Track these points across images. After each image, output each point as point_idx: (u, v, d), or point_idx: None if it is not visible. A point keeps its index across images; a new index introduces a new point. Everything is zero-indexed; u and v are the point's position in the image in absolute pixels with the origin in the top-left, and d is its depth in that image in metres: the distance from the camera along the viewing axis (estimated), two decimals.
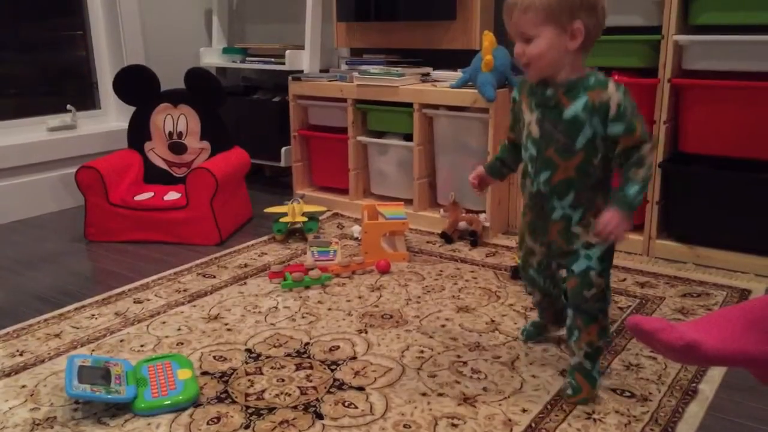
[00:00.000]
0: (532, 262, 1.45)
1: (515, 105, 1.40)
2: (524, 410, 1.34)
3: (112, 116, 3.19)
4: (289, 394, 1.41)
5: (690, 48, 2.03)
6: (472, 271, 2.08)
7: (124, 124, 2.74)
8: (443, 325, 1.71)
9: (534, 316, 1.67)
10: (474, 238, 2.32)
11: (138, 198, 2.45)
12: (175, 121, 2.64)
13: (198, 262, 2.21)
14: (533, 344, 1.60)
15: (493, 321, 1.73)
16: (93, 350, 1.63)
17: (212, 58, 3.28)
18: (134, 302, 1.90)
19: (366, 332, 1.68)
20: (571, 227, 1.33)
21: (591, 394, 1.36)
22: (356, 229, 2.44)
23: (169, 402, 1.35)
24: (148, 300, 1.92)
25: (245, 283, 2.02)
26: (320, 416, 1.33)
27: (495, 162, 1.52)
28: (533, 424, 1.29)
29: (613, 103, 1.22)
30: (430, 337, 1.65)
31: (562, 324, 1.53)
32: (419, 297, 1.89)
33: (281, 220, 2.40)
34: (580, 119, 1.24)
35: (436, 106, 2.45)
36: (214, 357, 1.58)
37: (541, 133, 1.30)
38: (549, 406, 1.35)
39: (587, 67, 1.29)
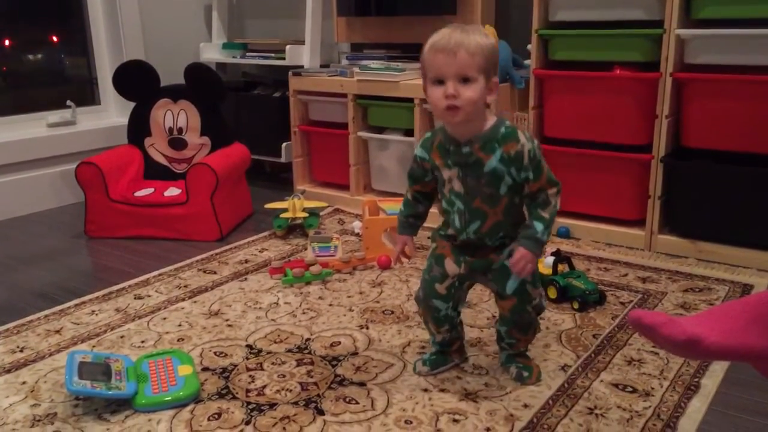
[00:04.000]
0: (440, 290, 1.38)
1: (423, 163, 1.37)
2: (526, 405, 1.34)
3: (112, 112, 3.18)
4: (290, 390, 1.40)
5: (692, 42, 2.02)
6: None
7: (124, 120, 2.73)
8: None
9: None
10: None
11: (138, 194, 2.45)
12: (175, 116, 2.64)
13: (198, 257, 2.20)
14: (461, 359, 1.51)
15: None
16: (93, 346, 1.62)
17: (212, 53, 3.27)
18: (135, 298, 1.90)
19: (367, 328, 1.68)
20: (502, 251, 1.35)
21: (537, 367, 1.45)
22: (357, 225, 2.43)
23: (169, 398, 1.35)
24: (149, 296, 1.91)
25: (246, 279, 2.02)
26: (321, 412, 1.33)
27: (407, 221, 1.46)
28: (535, 419, 1.29)
29: (525, 152, 1.28)
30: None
31: (464, 353, 1.52)
32: None
33: (282, 215, 2.40)
34: (499, 171, 1.29)
35: None
36: (215, 353, 1.57)
37: (465, 188, 1.32)
38: (551, 402, 1.35)
39: (489, 116, 1.31)
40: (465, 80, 1.23)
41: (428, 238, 1.45)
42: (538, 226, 1.29)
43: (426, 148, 1.37)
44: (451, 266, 1.38)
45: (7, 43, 2.97)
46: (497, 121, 1.30)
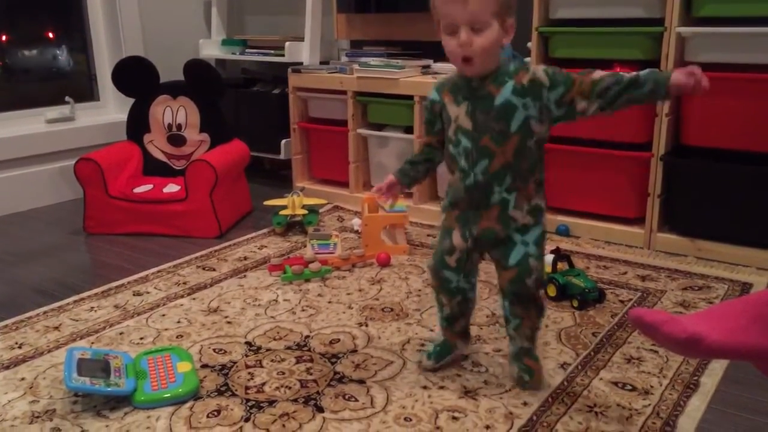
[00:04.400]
0: (449, 262, 1.38)
1: (434, 105, 1.36)
2: (525, 403, 1.34)
3: (111, 108, 3.17)
4: (290, 387, 1.40)
5: (692, 40, 2.01)
6: None
7: (123, 116, 2.72)
8: None
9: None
10: None
11: (137, 190, 2.44)
12: (175, 113, 2.63)
13: (197, 254, 2.20)
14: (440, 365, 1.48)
15: (493, 314, 1.73)
16: (92, 343, 1.62)
17: (211, 49, 3.26)
18: (134, 295, 1.90)
19: (366, 325, 1.68)
20: (508, 211, 1.31)
21: (542, 370, 1.40)
22: (356, 222, 2.43)
23: (168, 395, 1.35)
24: (148, 292, 1.91)
25: (245, 276, 2.01)
26: (321, 409, 1.33)
27: (405, 165, 1.46)
28: (534, 417, 1.29)
29: (540, 75, 1.25)
30: (431, 330, 1.65)
31: (469, 341, 1.51)
32: (420, 290, 1.89)
33: (281, 212, 2.39)
34: (511, 103, 1.26)
35: None
36: (214, 350, 1.57)
37: (473, 124, 1.29)
38: (550, 399, 1.35)
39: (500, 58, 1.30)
40: (477, 28, 1.22)
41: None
42: (642, 72, 1.21)
43: (439, 89, 1.36)
44: (458, 240, 1.36)
45: (5, 38, 2.97)
46: (507, 61, 1.29)
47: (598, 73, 1.24)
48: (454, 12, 1.22)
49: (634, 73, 1.22)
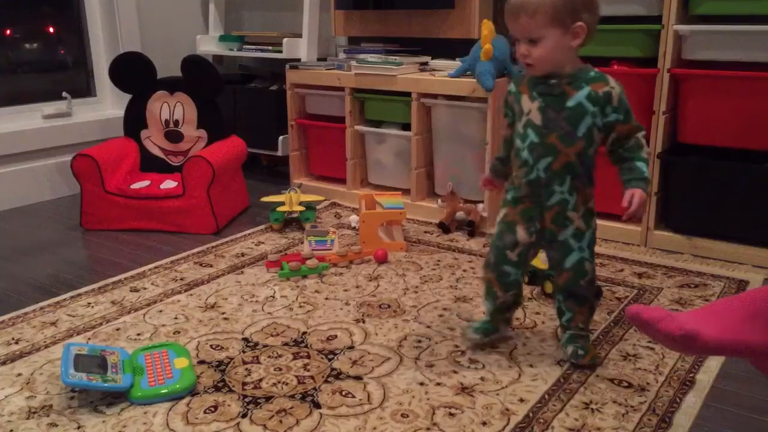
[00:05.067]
0: (511, 257, 1.44)
1: (510, 96, 1.43)
2: (522, 400, 1.34)
3: (108, 104, 3.17)
4: (287, 383, 1.40)
5: (690, 38, 2.02)
6: (470, 261, 2.08)
7: (120, 112, 2.72)
8: (441, 315, 1.71)
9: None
10: (471, 228, 2.32)
11: (134, 186, 2.44)
12: (172, 109, 2.63)
13: (195, 250, 2.20)
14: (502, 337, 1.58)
15: None
16: (89, 339, 1.62)
17: (209, 45, 3.26)
18: (131, 291, 1.90)
19: (363, 322, 1.68)
20: (567, 212, 1.39)
21: (596, 352, 1.48)
22: (354, 219, 2.43)
23: (165, 391, 1.35)
24: (145, 288, 1.91)
25: (242, 272, 2.01)
26: (318, 405, 1.33)
27: (495, 162, 1.56)
28: (531, 414, 1.29)
29: (615, 94, 1.32)
30: (428, 326, 1.65)
31: (509, 325, 1.58)
32: (417, 287, 1.89)
33: (278, 209, 2.39)
34: (583, 107, 1.32)
35: (434, 96, 2.44)
36: (211, 346, 1.57)
37: (543, 120, 1.35)
38: (547, 396, 1.35)
39: (581, 62, 1.37)
40: (534, 39, 1.28)
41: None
42: (643, 166, 1.33)
43: (517, 82, 1.42)
44: (522, 234, 1.42)
45: (2, 33, 2.96)
46: (587, 66, 1.35)
47: (641, 137, 1.34)
48: (510, 26, 1.32)
49: (642, 167, 1.34)
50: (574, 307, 1.45)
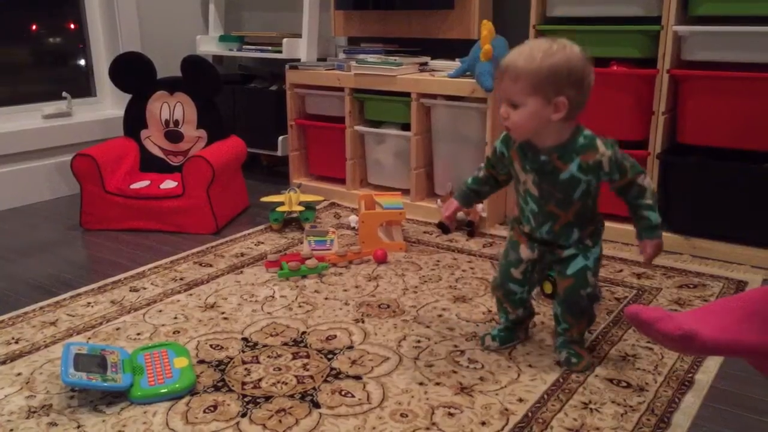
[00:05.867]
0: (515, 275, 1.47)
1: (503, 157, 1.43)
2: (521, 400, 1.34)
3: (108, 104, 3.17)
4: (286, 383, 1.41)
5: (689, 39, 2.02)
6: (469, 261, 2.08)
7: (120, 112, 2.72)
8: (440, 315, 1.71)
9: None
10: (471, 229, 2.32)
11: (134, 186, 2.44)
12: (172, 109, 2.63)
13: (194, 250, 2.20)
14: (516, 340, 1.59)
15: (490, 311, 1.73)
16: (89, 338, 1.62)
17: (209, 45, 3.26)
18: (130, 290, 1.90)
19: (363, 322, 1.68)
20: (571, 240, 1.41)
21: (590, 358, 1.47)
22: (353, 219, 2.43)
23: (165, 390, 1.35)
24: (145, 288, 1.91)
25: (242, 272, 2.02)
26: (317, 405, 1.33)
27: (467, 191, 1.53)
28: (530, 414, 1.30)
29: (605, 161, 1.33)
30: (427, 326, 1.65)
31: (528, 332, 1.59)
32: (416, 287, 1.89)
33: (278, 209, 2.39)
34: (575, 178, 1.34)
35: (434, 96, 2.45)
36: (211, 345, 1.57)
37: (540, 193, 1.37)
38: (546, 396, 1.35)
39: (572, 130, 1.34)
40: (514, 104, 1.29)
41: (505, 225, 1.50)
42: (652, 216, 1.36)
43: (506, 144, 1.42)
44: (525, 252, 1.45)
45: (3, 33, 2.96)
46: (575, 131, 1.33)
47: (641, 182, 1.36)
48: (496, 85, 1.35)
49: (650, 215, 1.37)
50: (572, 319, 1.44)
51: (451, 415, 1.29)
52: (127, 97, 2.67)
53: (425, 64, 2.64)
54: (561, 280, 1.43)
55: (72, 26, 3.15)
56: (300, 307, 1.77)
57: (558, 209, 1.37)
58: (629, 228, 2.17)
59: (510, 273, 1.47)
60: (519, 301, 1.49)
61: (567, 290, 1.41)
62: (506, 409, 1.31)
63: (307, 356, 1.52)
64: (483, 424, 1.27)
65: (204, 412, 1.31)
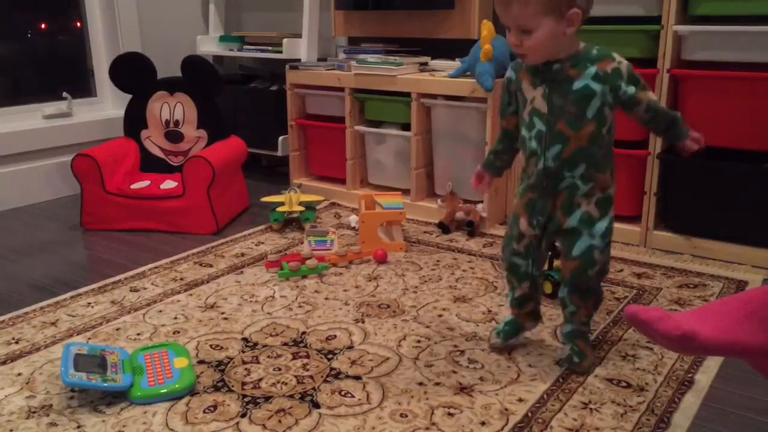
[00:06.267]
0: (518, 248, 1.42)
1: (511, 84, 1.38)
2: (521, 400, 1.34)
3: (109, 104, 3.17)
4: (286, 383, 1.41)
5: (689, 38, 2.02)
6: (470, 262, 2.08)
7: (121, 112, 2.72)
8: (440, 315, 1.71)
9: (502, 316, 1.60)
10: (471, 229, 2.32)
11: (134, 186, 2.44)
12: (172, 109, 2.63)
13: (194, 250, 2.20)
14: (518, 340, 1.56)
15: (490, 311, 1.73)
16: (89, 338, 1.62)
17: (209, 46, 3.26)
18: (131, 291, 1.90)
19: (363, 322, 1.68)
20: (575, 197, 1.33)
21: (594, 357, 1.42)
22: (353, 219, 2.43)
23: (165, 390, 1.35)
24: (145, 288, 1.91)
25: (242, 272, 2.02)
26: (317, 405, 1.33)
27: (489, 156, 1.51)
28: (530, 414, 1.30)
29: (624, 67, 1.28)
30: (427, 326, 1.65)
31: (538, 320, 1.53)
32: (416, 287, 1.89)
33: (278, 209, 2.39)
34: (590, 89, 1.27)
35: (434, 96, 2.44)
36: (211, 346, 1.57)
37: (549, 107, 1.30)
38: (545, 396, 1.35)
39: (580, 41, 1.31)
40: (526, 29, 1.23)
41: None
42: (676, 114, 1.35)
43: (515, 68, 1.37)
44: (524, 226, 1.39)
45: (3, 33, 2.96)
46: (588, 45, 1.30)
47: (652, 96, 1.33)
48: (501, 15, 1.27)
49: (675, 113, 1.36)
50: (579, 301, 1.39)
51: (450, 415, 1.29)
52: (128, 97, 2.68)
53: (425, 64, 2.64)
54: (566, 262, 1.37)
55: (72, 26, 3.15)
56: (300, 307, 1.77)
57: (569, 129, 1.28)
58: (629, 227, 2.19)
59: (512, 246, 1.42)
60: (524, 275, 1.43)
61: (573, 272, 1.35)
62: (506, 409, 1.31)
63: (307, 356, 1.52)
64: (483, 424, 1.27)
65: (204, 412, 1.31)
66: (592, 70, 1.27)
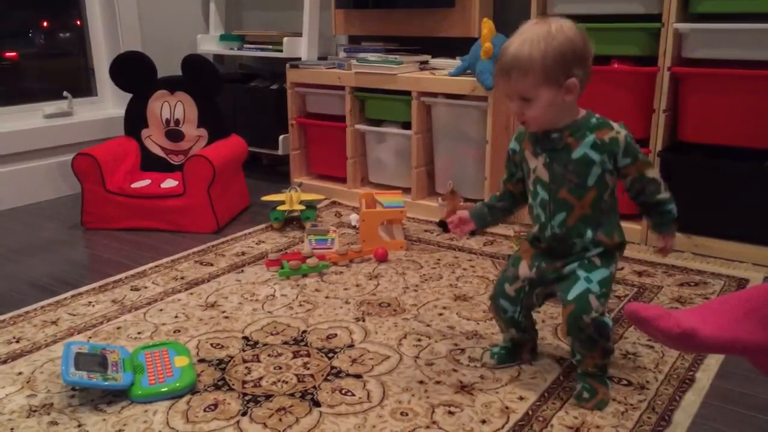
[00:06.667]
0: (509, 291, 1.39)
1: (514, 155, 1.39)
2: (521, 398, 1.34)
3: (109, 103, 3.17)
4: (287, 382, 1.41)
5: (690, 36, 2.02)
6: (470, 260, 2.08)
7: (121, 111, 2.72)
8: (441, 314, 1.71)
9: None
10: None
11: (135, 185, 2.44)
12: (172, 108, 2.63)
13: (195, 249, 2.20)
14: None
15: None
16: (90, 337, 1.63)
17: (209, 45, 3.26)
18: (131, 290, 1.90)
19: (363, 320, 1.68)
20: (586, 254, 1.32)
21: (607, 395, 1.32)
22: (354, 218, 2.43)
23: (166, 389, 1.35)
24: (145, 287, 1.91)
25: (242, 271, 2.02)
26: (317, 404, 1.33)
27: (483, 208, 1.47)
28: (530, 412, 1.30)
29: (621, 138, 1.27)
30: (428, 325, 1.65)
31: (535, 355, 1.49)
32: (417, 285, 1.89)
33: (279, 208, 2.39)
34: (589, 157, 1.27)
35: (434, 94, 2.44)
36: (212, 344, 1.57)
37: (550, 176, 1.30)
38: (546, 394, 1.35)
39: (580, 109, 1.31)
40: (527, 99, 1.24)
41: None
42: (674, 209, 1.35)
43: (518, 139, 1.38)
44: (524, 269, 1.37)
45: (3, 33, 2.96)
46: (588, 113, 1.30)
47: (654, 175, 1.32)
48: (502, 86, 1.29)
49: (673, 208, 1.37)
50: (582, 350, 1.31)
51: (451, 413, 1.29)
52: (128, 96, 2.68)
53: (426, 62, 2.64)
54: (563, 309, 1.30)
55: (73, 26, 3.15)
56: (300, 305, 1.77)
57: (571, 196, 1.29)
58: (630, 226, 2.18)
59: (503, 289, 1.39)
60: (510, 320, 1.40)
61: (569, 318, 1.28)
62: (507, 408, 1.31)
63: (308, 355, 1.52)
64: (483, 422, 1.26)
65: (204, 410, 1.31)
66: (591, 138, 1.27)
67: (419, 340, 1.58)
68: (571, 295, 1.28)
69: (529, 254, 1.38)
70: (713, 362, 1.47)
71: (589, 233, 1.30)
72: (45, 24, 3.11)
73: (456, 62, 2.46)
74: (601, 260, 1.31)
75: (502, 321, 1.43)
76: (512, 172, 1.41)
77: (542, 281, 1.37)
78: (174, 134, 2.64)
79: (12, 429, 1.27)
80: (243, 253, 2.17)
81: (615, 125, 1.28)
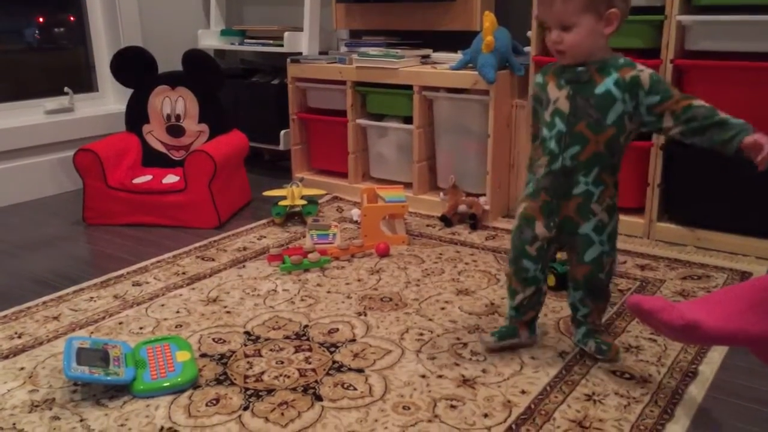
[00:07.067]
0: (529, 251, 1.41)
1: (537, 87, 1.41)
2: (523, 392, 1.34)
3: (110, 99, 3.17)
4: (288, 376, 1.41)
5: (693, 28, 2.01)
6: (472, 254, 2.07)
7: (122, 107, 2.72)
8: (443, 308, 1.71)
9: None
10: (474, 222, 2.31)
11: (136, 181, 2.44)
12: (173, 103, 2.63)
13: (197, 245, 2.20)
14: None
15: (492, 303, 1.73)
16: (92, 332, 1.62)
17: (210, 40, 3.25)
18: (133, 285, 1.90)
19: (365, 315, 1.68)
20: (590, 204, 1.36)
21: (616, 345, 1.45)
22: (355, 213, 2.43)
23: (167, 384, 1.35)
24: (147, 283, 1.91)
25: (244, 266, 2.01)
26: (319, 398, 1.33)
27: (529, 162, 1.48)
28: (532, 406, 1.29)
29: (643, 77, 1.28)
30: (430, 319, 1.65)
31: (534, 335, 1.51)
32: (419, 280, 1.89)
33: (280, 203, 2.39)
34: (611, 94, 1.29)
35: (436, 89, 2.44)
36: (213, 339, 1.57)
37: (571, 108, 1.33)
38: (548, 388, 1.35)
39: (612, 50, 1.34)
40: (567, 26, 1.26)
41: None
42: (731, 119, 1.27)
43: (544, 72, 1.40)
44: (541, 229, 1.40)
45: (4, 28, 2.96)
46: (618, 55, 1.32)
47: (697, 101, 1.27)
48: (543, 12, 1.31)
49: (725, 116, 1.27)
50: (592, 303, 1.43)
51: (453, 407, 1.29)
52: (129, 91, 2.67)
53: (427, 56, 2.63)
54: (578, 266, 1.40)
55: (73, 21, 3.15)
56: (302, 300, 1.77)
57: (589, 131, 1.31)
58: (633, 219, 2.18)
59: (525, 250, 1.41)
60: (532, 279, 1.43)
61: (587, 277, 1.40)
62: (509, 401, 1.31)
63: (310, 349, 1.51)
64: (485, 416, 1.26)
65: (206, 405, 1.31)
66: (614, 76, 1.29)
67: (421, 334, 1.58)
68: (587, 258, 1.38)
69: (540, 212, 1.39)
70: (716, 355, 1.46)
71: (595, 171, 1.33)
72: (45, 20, 3.10)
73: (457, 56, 2.45)
74: (608, 216, 1.37)
75: (522, 281, 1.44)
76: (537, 111, 1.43)
77: (559, 239, 1.41)
78: (175, 129, 2.64)
79: (14, 424, 1.27)
80: (244, 248, 2.17)
81: (640, 66, 1.30)
